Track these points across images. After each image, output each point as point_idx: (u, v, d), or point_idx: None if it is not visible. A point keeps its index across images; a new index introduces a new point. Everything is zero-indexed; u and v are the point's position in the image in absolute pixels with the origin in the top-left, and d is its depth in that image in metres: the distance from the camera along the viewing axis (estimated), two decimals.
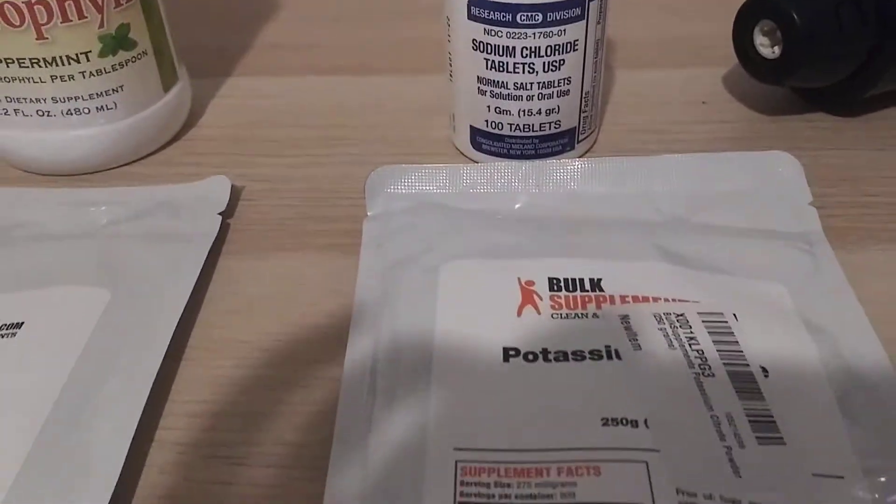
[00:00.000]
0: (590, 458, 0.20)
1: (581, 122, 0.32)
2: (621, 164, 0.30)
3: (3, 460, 0.21)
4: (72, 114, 0.31)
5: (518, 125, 0.31)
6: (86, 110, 0.31)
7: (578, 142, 0.32)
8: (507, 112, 0.31)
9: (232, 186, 0.31)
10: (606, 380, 0.22)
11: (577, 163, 0.30)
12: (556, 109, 0.31)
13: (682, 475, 0.19)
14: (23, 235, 0.29)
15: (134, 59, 0.32)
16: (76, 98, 0.31)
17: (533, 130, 0.31)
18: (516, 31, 0.29)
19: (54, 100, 0.31)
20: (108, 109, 0.32)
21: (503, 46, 0.29)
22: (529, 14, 0.28)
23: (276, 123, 0.36)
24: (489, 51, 0.30)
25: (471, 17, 0.29)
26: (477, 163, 0.32)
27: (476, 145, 0.33)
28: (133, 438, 0.21)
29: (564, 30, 0.29)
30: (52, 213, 0.30)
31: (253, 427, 0.23)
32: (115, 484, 0.20)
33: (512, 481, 0.19)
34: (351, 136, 0.35)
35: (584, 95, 0.31)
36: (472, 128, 0.32)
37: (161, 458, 0.22)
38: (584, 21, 0.29)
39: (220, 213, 0.30)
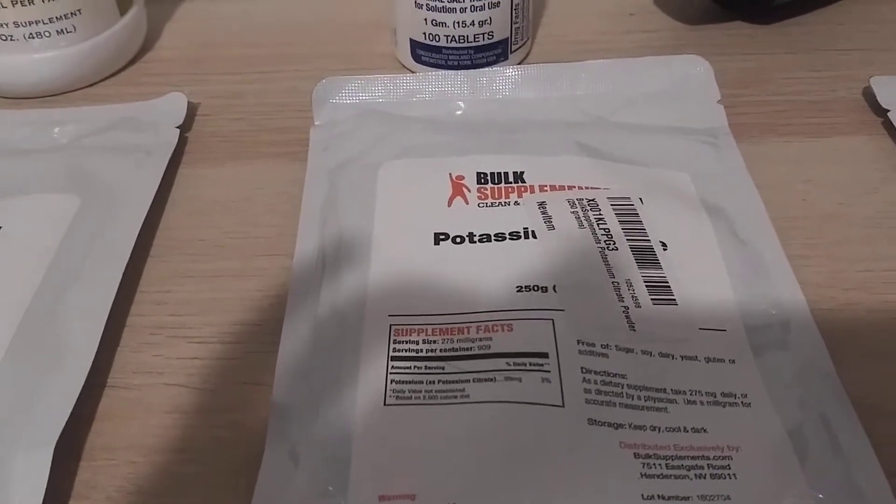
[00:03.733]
0: (504, 318, 0.23)
1: (513, 33, 0.34)
2: (550, 70, 0.33)
3: None
4: (33, 37, 0.33)
5: (454, 37, 0.33)
6: (46, 34, 0.33)
7: (512, 52, 0.35)
8: (443, 24, 0.33)
9: (188, 103, 0.33)
10: (523, 255, 0.25)
11: (509, 71, 0.33)
12: (489, 21, 0.33)
13: (583, 329, 0.23)
14: None
15: None
16: (37, 22, 0.33)
17: (468, 42, 0.34)
18: None
19: (16, 24, 0.33)
20: (67, 33, 0.34)
21: None
22: None
23: (229, 43, 0.38)
24: None
25: None
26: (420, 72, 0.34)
27: (416, 58, 0.35)
28: (106, 324, 0.24)
29: None
30: (19, 132, 0.32)
31: (214, 311, 0.26)
32: (91, 360, 0.23)
33: (437, 338, 0.22)
34: (300, 53, 0.37)
35: (514, 7, 0.33)
36: (411, 41, 0.34)
37: (133, 340, 0.25)
38: None
39: (177, 127, 0.32)
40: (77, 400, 0.22)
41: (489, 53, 0.34)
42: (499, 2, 0.33)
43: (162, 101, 0.33)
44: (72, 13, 0.33)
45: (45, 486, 0.20)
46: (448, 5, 0.32)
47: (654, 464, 0.20)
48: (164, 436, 0.22)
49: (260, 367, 0.24)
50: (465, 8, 0.33)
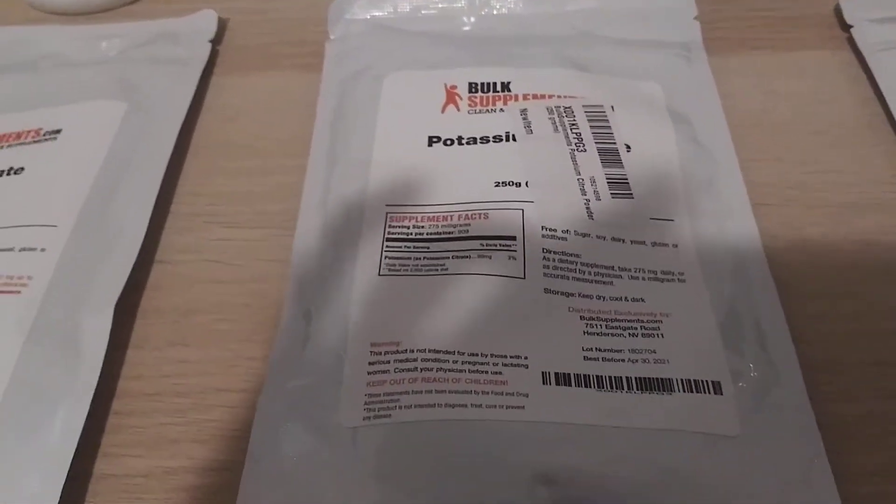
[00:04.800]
0: (482, 209, 0.27)
1: None
2: None
3: (55, 230, 0.28)
4: None
5: None
6: None
7: None
8: None
9: (219, 19, 0.37)
10: (503, 156, 0.29)
11: None
12: None
13: (548, 217, 0.27)
14: (49, 65, 0.35)
15: None
16: None
17: None
18: None
19: None
20: None
21: None
22: None
23: None
24: None
25: None
26: None
27: None
28: (153, 210, 0.29)
29: None
30: (72, 46, 0.36)
31: (241, 202, 0.30)
32: (141, 239, 0.28)
33: (425, 224, 0.27)
34: None
35: None
36: None
37: (176, 224, 0.30)
38: None
39: (210, 41, 0.36)
40: (131, 271, 0.27)
41: None
42: None
43: (196, 17, 0.37)
44: None
45: (107, 338, 0.26)
46: None
47: (596, 325, 0.24)
48: (202, 300, 0.27)
49: (280, 247, 0.29)
50: None
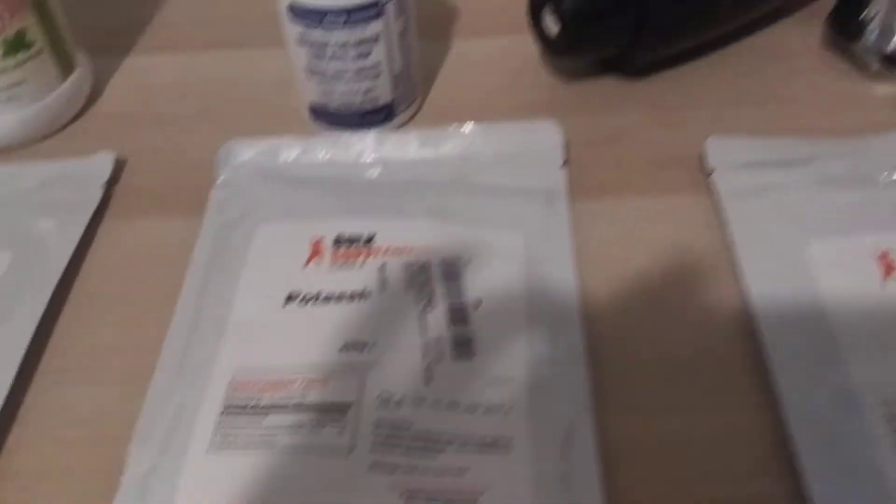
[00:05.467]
0: (324, 374, 0.28)
1: (396, 98, 0.39)
2: (423, 134, 0.37)
3: None
4: None
5: (342, 103, 0.38)
6: None
7: (396, 115, 0.40)
8: (332, 93, 0.38)
9: (116, 160, 0.39)
10: (354, 315, 0.30)
11: (388, 135, 0.38)
12: (372, 89, 0.38)
13: (386, 383, 0.28)
14: None
15: (32, 57, 0.39)
16: None
17: (354, 107, 0.39)
18: (327, 30, 0.36)
19: None
20: (13, 100, 0.39)
21: (319, 42, 0.36)
22: (335, 16, 0.35)
23: (164, 99, 0.43)
24: (309, 45, 0.37)
25: (291, 19, 0.36)
26: (315, 134, 0.39)
27: (315, 119, 0.40)
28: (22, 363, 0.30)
29: (367, 27, 0.36)
30: None
31: (107, 358, 0.31)
32: (3, 398, 0.29)
33: (266, 393, 0.28)
34: (224, 109, 0.42)
35: (395, 76, 0.38)
36: (309, 105, 0.40)
37: (41, 381, 0.31)
38: (384, 18, 0.36)
39: (104, 184, 0.38)
40: None
41: (375, 116, 0.39)
42: (380, 73, 0.38)
43: (92, 160, 0.39)
44: (16, 83, 0.39)
45: None
46: (333, 77, 0.37)
47: (416, 500, 0.25)
48: (53, 461, 0.28)
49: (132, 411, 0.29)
50: (350, 80, 0.37)
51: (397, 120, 0.40)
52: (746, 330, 0.31)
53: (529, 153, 0.37)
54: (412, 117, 0.41)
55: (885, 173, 0.34)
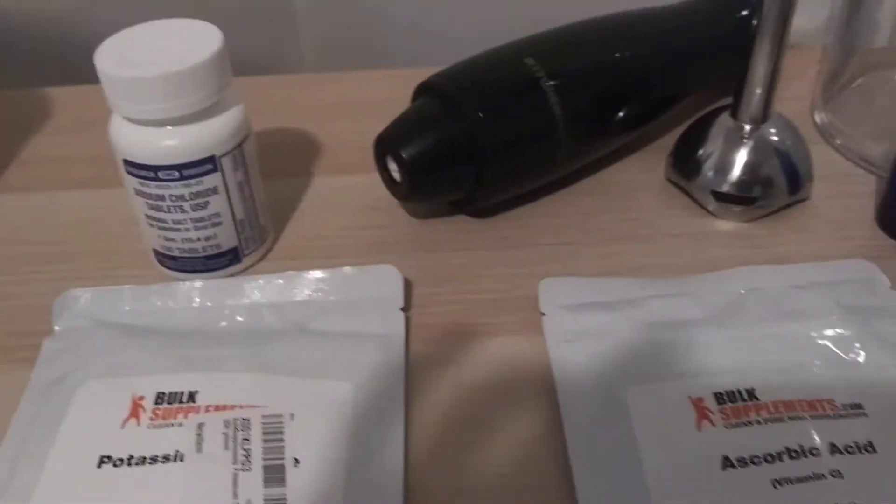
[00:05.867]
0: None
1: (241, 242, 0.40)
2: (261, 281, 0.38)
3: None
4: None
5: (185, 249, 0.39)
6: None
7: (244, 258, 0.40)
8: (173, 240, 0.38)
9: None
10: (165, 479, 0.29)
11: (208, 283, 0.37)
12: (214, 236, 0.38)
13: None
14: None
15: None
16: None
17: (198, 253, 0.39)
18: (162, 183, 0.36)
19: None
20: None
21: (155, 194, 0.37)
22: (168, 172, 0.36)
23: (14, 240, 0.43)
24: (147, 196, 0.37)
25: (128, 172, 0.37)
26: (160, 279, 0.39)
27: (160, 262, 0.40)
28: None
29: (202, 180, 0.37)
30: None
31: None
32: None
33: None
34: (71, 251, 0.42)
35: (238, 223, 0.39)
36: (153, 249, 0.40)
37: None
38: (220, 172, 0.37)
39: None
40: None
41: (220, 260, 0.39)
42: (220, 221, 0.38)
43: None
44: None
45: None
46: (173, 226, 0.38)
47: None
48: None
49: None
50: (189, 228, 0.38)
51: (246, 261, 0.40)
52: (567, 476, 0.31)
53: (370, 298, 0.37)
54: (262, 258, 0.41)
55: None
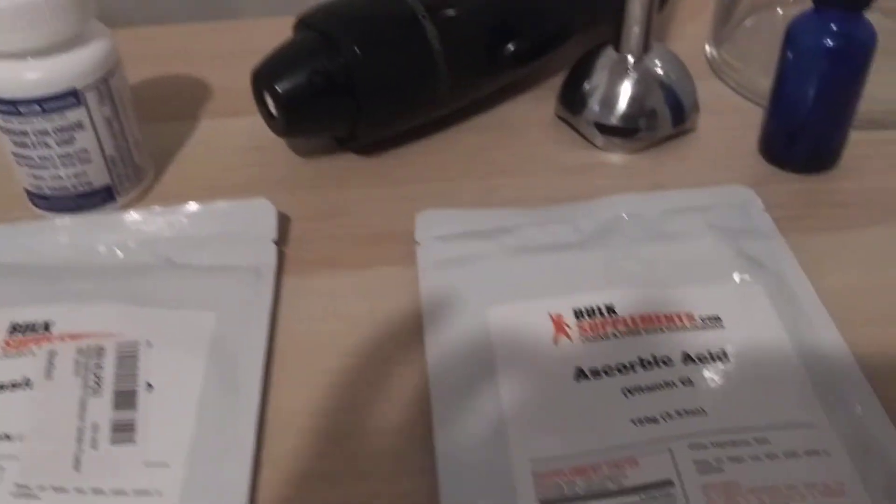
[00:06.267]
0: None
1: (115, 180, 0.39)
2: (129, 216, 0.37)
3: None
4: None
5: (55, 187, 0.38)
6: None
7: (119, 196, 0.39)
8: (42, 178, 0.38)
9: None
10: (14, 406, 0.29)
11: (75, 219, 0.37)
12: (84, 174, 0.38)
13: (30, 474, 0.27)
14: None
15: None
16: None
17: (69, 191, 0.38)
18: (23, 118, 0.36)
19: None
20: None
21: (19, 129, 0.36)
22: (28, 105, 0.35)
23: None
24: (11, 133, 0.36)
25: None
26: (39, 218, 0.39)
27: (34, 203, 0.39)
28: None
29: (65, 114, 0.36)
30: None
31: None
32: None
33: None
34: None
35: (108, 159, 0.38)
36: (25, 189, 0.39)
37: None
38: (84, 107, 0.36)
39: None
40: None
41: (93, 199, 0.39)
42: (89, 157, 0.37)
43: None
44: None
45: None
46: (40, 163, 0.37)
47: None
48: None
49: None
50: (57, 165, 0.37)
51: (121, 200, 0.40)
52: (424, 397, 0.31)
53: (241, 232, 0.37)
54: (141, 198, 0.41)
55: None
